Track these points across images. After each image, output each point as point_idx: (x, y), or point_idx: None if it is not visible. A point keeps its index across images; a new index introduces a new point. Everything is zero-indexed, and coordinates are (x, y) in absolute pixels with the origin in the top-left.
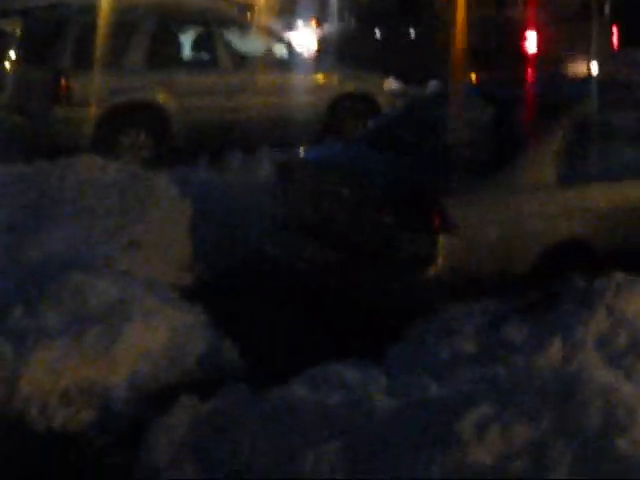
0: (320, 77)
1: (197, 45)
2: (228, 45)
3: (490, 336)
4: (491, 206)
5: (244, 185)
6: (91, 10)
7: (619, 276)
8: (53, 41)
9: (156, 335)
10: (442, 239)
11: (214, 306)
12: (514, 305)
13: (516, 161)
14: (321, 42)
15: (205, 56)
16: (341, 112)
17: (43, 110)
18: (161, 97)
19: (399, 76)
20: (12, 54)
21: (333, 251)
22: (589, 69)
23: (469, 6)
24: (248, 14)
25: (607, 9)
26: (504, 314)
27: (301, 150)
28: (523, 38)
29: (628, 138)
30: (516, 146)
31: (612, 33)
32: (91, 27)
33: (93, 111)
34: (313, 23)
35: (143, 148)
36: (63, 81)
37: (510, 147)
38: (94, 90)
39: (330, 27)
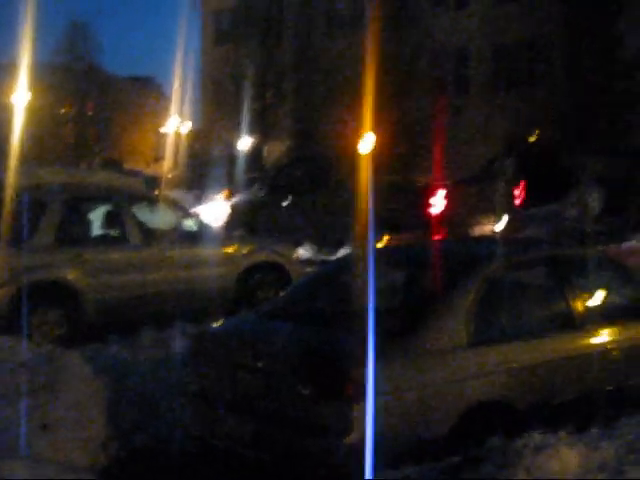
0: (229, 248)
1: (106, 221)
2: (137, 220)
3: None
4: (404, 372)
5: (158, 360)
6: None
7: (537, 436)
8: None
9: None
10: (356, 408)
11: None
12: (435, 469)
13: (426, 324)
14: (232, 213)
15: (115, 232)
16: (252, 282)
17: None
18: (71, 275)
19: (310, 244)
20: None
21: (250, 423)
22: (495, 229)
23: (377, 171)
24: (156, 188)
25: (510, 170)
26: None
27: (213, 323)
28: (427, 201)
29: (537, 295)
30: (427, 310)
31: (515, 193)
32: None
33: (3, 290)
34: (224, 194)
35: (54, 326)
36: None
37: (421, 311)
38: (3, 269)
39: (241, 197)
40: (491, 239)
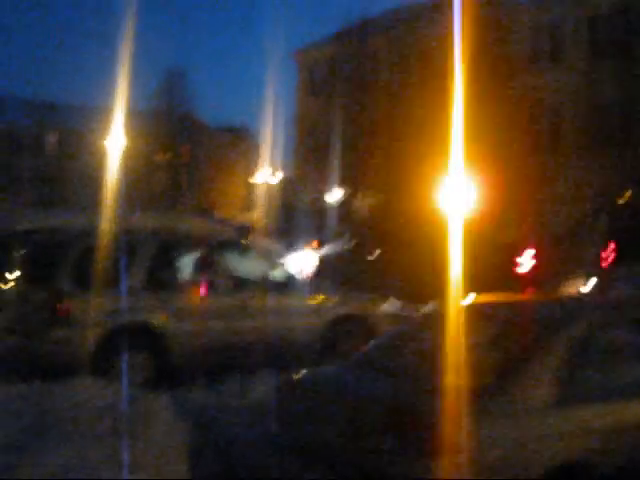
0: (316, 300)
1: (196, 267)
2: (226, 267)
3: None
4: (489, 429)
5: (242, 407)
6: (91, 233)
7: None
8: (53, 262)
9: None
10: (439, 464)
11: None
12: None
13: (513, 382)
14: (320, 264)
15: (204, 278)
16: (338, 334)
17: (42, 331)
18: (159, 319)
19: (397, 297)
20: (12, 274)
21: (337, 475)
22: (585, 287)
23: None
24: (246, 237)
25: (600, 230)
26: None
27: (299, 373)
28: (518, 259)
29: (622, 357)
30: (513, 367)
31: (608, 251)
32: (91, 249)
33: (92, 332)
34: (314, 244)
35: (141, 370)
36: (63, 301)
37: (507, 368)
38: (93, 311)
39: (329, 249)
40: (579, 299)
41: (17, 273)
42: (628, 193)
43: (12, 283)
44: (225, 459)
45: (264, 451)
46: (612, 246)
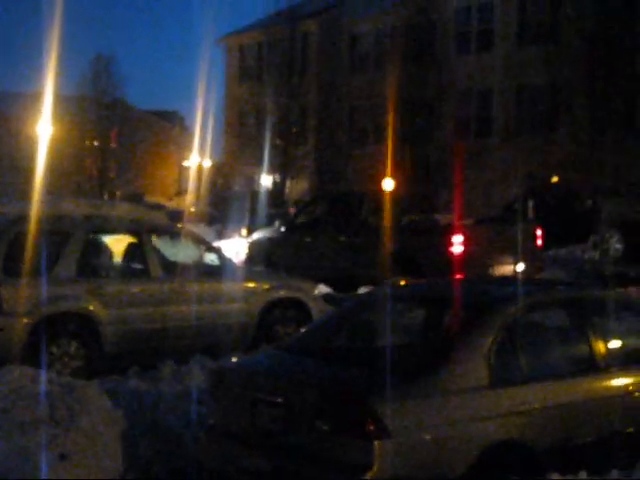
0: (250, 284)
1: (128, 254)
2: (158, 253)
3: None
4: (423, 410)
5: (176, 394)
6: (23, 220)
7: (555, 477)
8: None
9: None
10: (377, 445)
11: None
12: None
13: (447, 363)
14: (252, 249)
15: (136, 264)
16: (272, 319)
17: None
18: (92, 306)
19: (329, 282)
20: None
21: (269, 459)
22: (515, 270)
23: (396, 213)
24: (178, 222)
25: (531, 212)
26: None
27: (233, 357)
28: (449, 241)
29: (557, 337)
30: (446, 348)
31: (536, 235)
32: (22, 237)
33: (24, 321)
34: (244, 231)
35: (74, 358)
36: None
37: (440, 349)
38: (25, 299)
39: (261, 234)
40: (512, 280)
41: None
42: (555, 178)
43: None
44: (159, 446)
45: (199, 438)
46: (540, 230)
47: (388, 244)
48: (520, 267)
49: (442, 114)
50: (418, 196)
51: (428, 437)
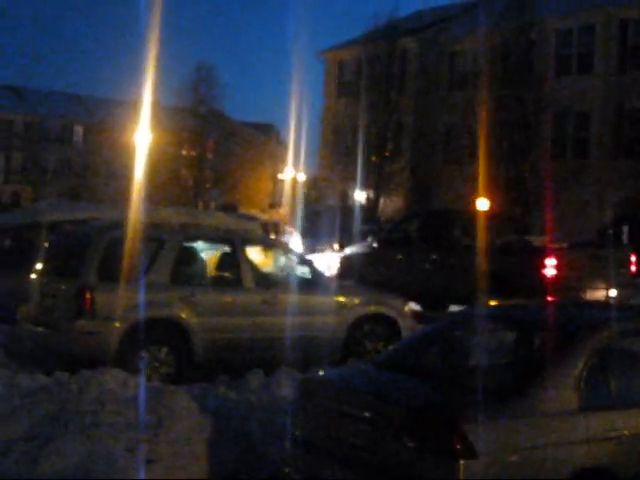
0: (341, 298)
1: (221, 263)
2: (252, 264)
3: None
4: (513, 432)
5: (264, 404)
6: (118, 227)
7: None
8: (80, 255)
9: None
10: (463, 465)
11: None
12: None
13: (538, 386)
14: (344, 264)
15: (228, 274)
16: (361, 333)
17: (67, 322)
18: (183, 314)
19: (419, 300)
20: (38, 266)
21: (353, 473)
22: (608, 295)
23: (490, 233)
24: (272, 234)
25: (625, 237)
26: None
27: (321, 370)
28: (542, 264)
29: None
30: (537, 371)
31: (630, 260)
32: (117, 243)
33: (116, 325)
34: (336, 246)
35: (164, 364)
36: (88, 294)
37: (531, 372)
38: (118, 305)
39: (354, 249)
40: (604, 305)
41: (43, 265)
42: None
43: (39, 275)
44: (245, 455)
45: (285, 449)
46: (634, 256)
47: (480, 264)
48: (613, 292)
49: (539, 134)
50: (512, 217)
51: (515, 459)
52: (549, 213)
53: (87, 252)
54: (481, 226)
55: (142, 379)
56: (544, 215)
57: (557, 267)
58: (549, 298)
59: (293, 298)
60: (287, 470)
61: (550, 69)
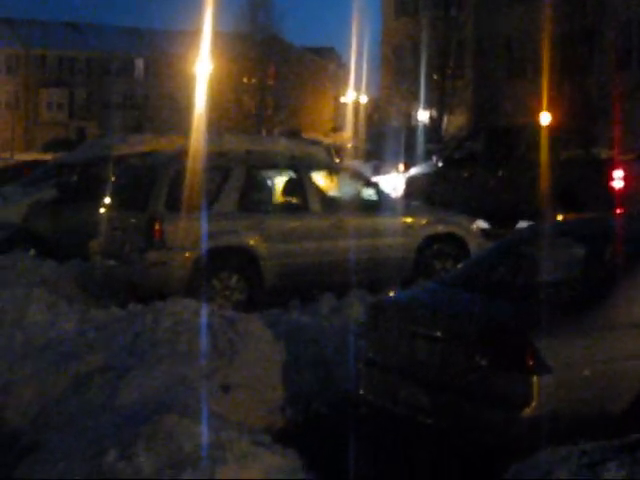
0: (409, 219)
1: (287, 189)
2: (317, 189)
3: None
4: (585, 346)
5: (336, 327)
6: (183, 157)
7: None
8: (147, 187)
9: (251, 479)
10: (536, 380)
11: (308, 450)
12: (612, 447)
13: (609, 299)
14: (409, 184)
15: (295, 200)
16: (430, 253)
17: (138, 254)
18: (252, 241)
19: (487, 217)
20: (106, 200)
21: (426, 392)
22: None
23: (555, 147)
24: (337, 157)
25: None
26: (601, 457)
27: (392, 292)
28: (610, 176)
29: None
30: (610, 284)
31: None
32: (183, 173)
33: (186, 255)
34: (401, 167)
35: (235, 291)
36: (157, 225)
37: (603, 285)
38: (187, 234)
39: (419, 169)
40: None
41: (111, 199)
42: None
43: (107, 209)
44: (319, 379)
45: (358, 371)
46: None
47: (547, 179)
48: None
49: (602, 45)
50: (577, 130)
51: (588, 373)
52: (616, 125)
53: (154, 184)
54: (546, 140)
55: (214, 307)
56: (610, 127)
57: (625, 179)
58: (617, 210)
59: (360, 221)
60: (360, 392)
61: None
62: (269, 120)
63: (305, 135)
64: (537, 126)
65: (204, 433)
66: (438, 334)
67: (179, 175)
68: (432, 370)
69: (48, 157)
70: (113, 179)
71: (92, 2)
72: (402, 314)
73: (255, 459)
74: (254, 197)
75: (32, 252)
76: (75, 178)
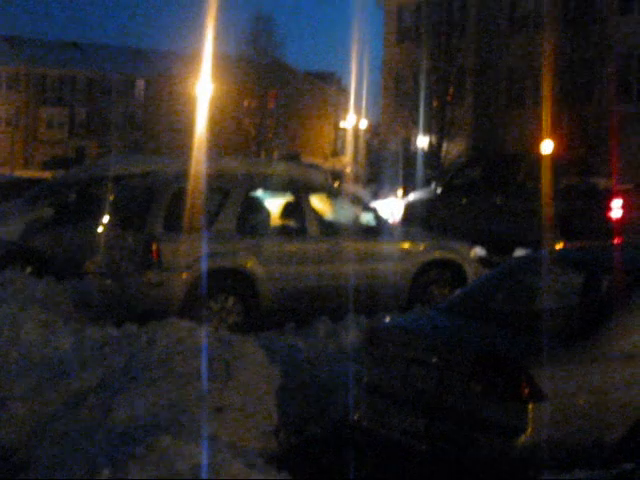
0: (406, 245)
1: (285, 212)
2: (316, 212)
3: None
4: (580, 375)
5: (331, 351)
6: (182, 178)
7: None
8: (145, 207)
9: None
10: (531, 408)
11: (301, 473)
12: (606, 477)
13: (606, 328)
14: (407, 210)
15: (293, 223)
16: (427, 279)
17: (135, 274)
18: (249, 263)
19: (484, 244)
20: (104, 219)
21: (420, 418)
22: None
23: (554, 176)
24: (336, 182)
25: None
26: None
27: (388, 317)
28: (608, 205)
29: None
30: (606, 314)
31: None
32: (182, 194)
33: (183, 276)
34: (400, 192)
35: (232, 313)
36: (155, 246)
37: (599, 314)
38: (185, 255)
39: (417, 195)
40: None
41: (109, 218)
42: None
43: (105, 228)
44: (313, 403)
45: (353, 396)
46: None
47: (545, 207)
48: None
49: (602, 76)
50: (576, 159)
51: (583, 402)
52: (614, 155)
53: (153, 204)
54: (545, 169)
55: (210, 329)
56: (609, 157)
57: (623, 208)
58: (615, 240)
59: (358, 246)
60: (355, 417)
61: (613, 8)
62: (269, 143)
63: (304, 159)
64: (536, 154)
65: (198, 454)
66: (434, 360)
67: (178, 196)
68: (427, 396)
69: (47, 175)
70: (112, 198)
71: (94, 22)
72: (398, 340)
73: None
74: (252, 219)
75: (28, 270)
76: (73, 197)
